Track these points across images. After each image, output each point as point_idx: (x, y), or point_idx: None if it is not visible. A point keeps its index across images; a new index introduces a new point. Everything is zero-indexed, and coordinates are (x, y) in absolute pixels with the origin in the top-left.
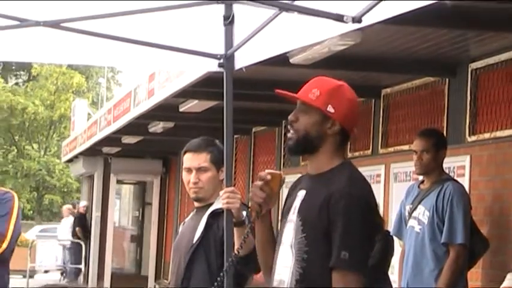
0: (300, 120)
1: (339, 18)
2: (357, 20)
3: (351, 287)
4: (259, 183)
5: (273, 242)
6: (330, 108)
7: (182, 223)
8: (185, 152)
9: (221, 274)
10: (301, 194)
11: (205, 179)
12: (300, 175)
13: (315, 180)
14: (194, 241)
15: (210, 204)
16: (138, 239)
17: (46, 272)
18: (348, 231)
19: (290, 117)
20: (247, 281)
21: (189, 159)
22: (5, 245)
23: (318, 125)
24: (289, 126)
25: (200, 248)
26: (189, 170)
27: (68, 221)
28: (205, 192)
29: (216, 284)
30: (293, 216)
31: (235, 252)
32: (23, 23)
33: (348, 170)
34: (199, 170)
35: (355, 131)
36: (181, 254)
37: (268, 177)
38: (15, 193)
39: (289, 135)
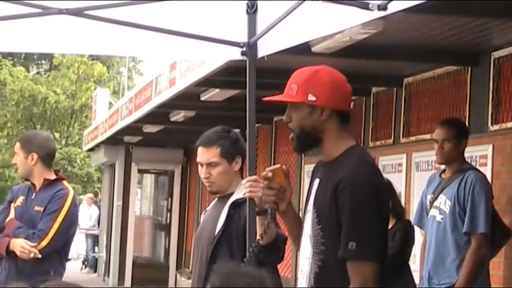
0: (293, 120)
1: (365, 5)
2: (382, 7)
3: (365, 275)
4: (264, 183)
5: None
6: (311, 97)
7: (204, 212)
8: (197, 146)
9: (244, 263)
10: (316, 183)
11: (216, 174)
12: None
13: (327, 167)
14: (216, 232)
15: (231, 194)
16: (167, 229)
17: (68, 260)
18: (355, 220)
19: (284, 119)
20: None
21: (200, 154)
22: (44, 243)
23: (309, 117)
24: (288, 130)
25: (222, 238)
26: (201, 165)
27: (90, 210)
28: (219, 186)
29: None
30: (310, 206)
31: (257, 240)
32: (46, 10)
33: (354, 156)
34: (209, 165)
35: (351, 107)
36: (204, 245)
37: (269, 174)
38: (71, 190)
39: (290, 136)
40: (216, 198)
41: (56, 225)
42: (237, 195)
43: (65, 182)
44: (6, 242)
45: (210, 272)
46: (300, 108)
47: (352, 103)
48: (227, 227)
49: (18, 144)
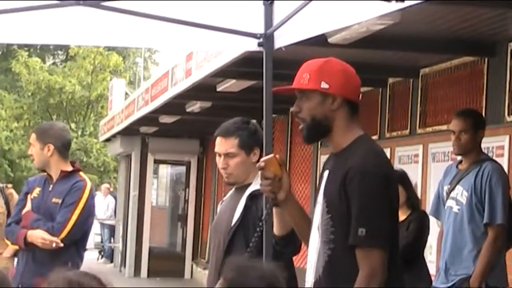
0: (303, 109)
1: None
2: None
3: (374, 262)
4: (259, 173)
5: (307, 218)
6: (324, 85)
7: (220, 202)
8: (216, 136)
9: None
10: (325, 174)
11: (233, 165)
12: None
13: (336, 158)
14: (233, 223)
15: (249, 185)
16: (183, 219)
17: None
18: (364, 208)
19: (293, 108)
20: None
21: (218, 144)
22: (63, 235)
23: (320, 106)
24: (297, 119)
25: (239, 229)
26: (219, 155)
27: (106, 200)
28: (236, 178)
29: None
30: (320, 198)
31: (261, 221)
32: (63, 2)
33: (363, 145)
34: (227, 155)
35: (360, 97)
36: (221, 235)
37: (262, 164)
38: (89, 181)
39: (300, 127)
40: (233, 189)
41: (74, 217)
42: (255, 186)
43: (82, 174)
44: (23, 234)
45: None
46: (311, 96)
47: (360, 95)
48: (244, 218)
49: (34, 136)
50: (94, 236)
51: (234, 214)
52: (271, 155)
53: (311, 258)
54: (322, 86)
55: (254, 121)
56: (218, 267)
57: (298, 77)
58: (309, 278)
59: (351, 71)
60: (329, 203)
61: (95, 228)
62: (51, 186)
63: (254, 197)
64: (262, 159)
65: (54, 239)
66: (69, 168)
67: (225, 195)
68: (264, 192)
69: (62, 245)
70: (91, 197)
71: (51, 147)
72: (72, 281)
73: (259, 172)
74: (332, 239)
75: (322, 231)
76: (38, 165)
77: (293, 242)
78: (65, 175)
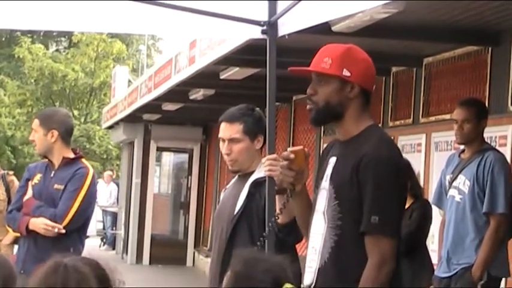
0: (318, 92)
1: None
2: None
3: (384, 251)
4: (285, 163)
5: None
6: (346, 72)
7: (223, 189)
8: (220, 121)
9: (261, 239)
10: (332, 160)
11: (237, 150)
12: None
13: (345, 145)
14: (236, 211)
15: (252, 172)
16: (185, 207)
17: (86, 237)
18: (378, 195)
19: (308, 90)
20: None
21: (222, 130)
22: (65, 222)
23: (338, 92)
24: (307, 100)
25: (243, 217)
26: (223, 140)
27: (109, 188)
28: (240, 165)
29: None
30: (325, 183)
31: (276, 215)
32: None
33: (376, 133)
34: (232, 141)
35: (373, 89)
36: (224, 223)
37: (292, 156)
38: (91, 168)
39: (308, 107)
40: (237, 176)
41: (76, 204)
42: (258, 174)
43: (84, 160)
44: (26, 222)
45: (229, 250)
46: (330, 81)
47: (374, 85)
48: (247, 206)
49: (37, 121)
50: (96, 223)
51: (237, 202)
52: (300, 147)
53: (315, 244)
54: (344, 73)
55: (258, 109)
56: (221, 255)
57: (317, 60)
58: (312, 264)
59: (371, 61)
60: (338, 189)
61: (97, 215)
62: (53, 172)
63: (258, 184)
64: (290, 149)
65: (57, 225)
66: (71, 155)
67: (227, 183)
68: (283, 182)
69: (64, 231)
70: (93, 183)
71: (55, 133)
72: (67, 266)
73: (263, 159)
74: (339, 225)
75: (329, 217)
76: (40, 151)
77: (295, 230)
78: (67, 162)
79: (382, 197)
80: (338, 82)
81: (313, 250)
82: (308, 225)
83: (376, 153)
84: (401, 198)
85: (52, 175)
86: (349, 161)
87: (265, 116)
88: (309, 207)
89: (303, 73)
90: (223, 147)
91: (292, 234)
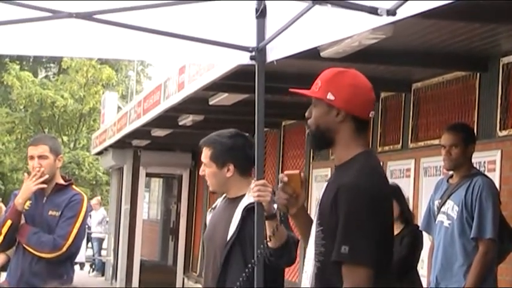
0: (312, 116)
1: (373, 11)
2: (391, 13)
3: (357, 280)
4: (280, 185)
5: None
6: (330, 96)
7: (210, 210)
8: None
9: (250, 265)
10: (324, 186)
11: (208, 174)
12: (328, 169)
13: (336, 172)
14: (229, 237)
15: (242, 196)
16: (174, 232)
17: (75, 263)
18: (349, 225)
19: (306, 114)
20: (281, 273)
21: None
22: (64, 249)
23: (325, 116)
24: (306, 125)
25: (236, 243)
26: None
27: (99, 213)
28: (213, 187)
29: (245, 274)
30: (317, 209)
31: (266, 242)
32: (56, 14)
33: (360, 162)
34: (204, 164)
35: (370, 115)
36: (216, 249)
37: (285, 178)
38: (85, 195)
39: (307, 132)
40: (226, 199)
41: (75, 231)
42: (249, 199)
43: (74, 187)
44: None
45: (223, 276)
46: (319, 105)
47: (372, 112)
48: (240, 231)
49: (46, 148)
50: (86, 250)
51: (229, 227)
52: (297, 171)
53: (307, 269)
54: (328, 97)
55: (246, 135)
56: (215, 280)
57: (314, 83)
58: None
59: (364, 87)
60: (321, 216)
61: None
62: (45, 198)
63: (250, 209)
64: (285, 173)
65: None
66: (62, 181)
67: (214, 203)
68: (277, 204)
69: (47, 176)
70: (88, 210)
71: (61, 158)
72: None
73: (252, 185)
74: (322, 252)
75: (315, 243)
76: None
77: (287, 253)
78: (59, 188)
79: (353, 226)
80: (325, 106)
81: (306, 275)
82: None
83: (351, 182)
84: (381, 225)
85: (44, 201)
86: (333, 188)
87: (254, 142)
88: (309, 228)
89: (301, 95)
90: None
91: (284, 258)
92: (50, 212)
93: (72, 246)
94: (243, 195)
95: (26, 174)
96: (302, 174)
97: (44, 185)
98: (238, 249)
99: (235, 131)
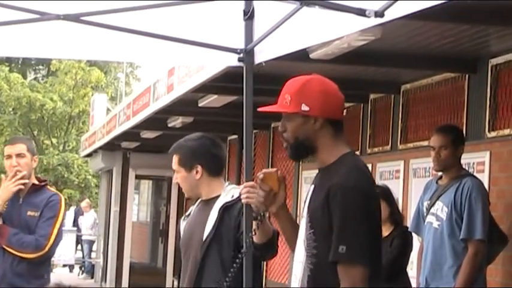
0: (287, 129)
1: (361, 12)
2: (379, 14)
3: (354, 279)
4: (257, 183)
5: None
6: (305, 107)
7: (183, 218)
8: None
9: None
10: (311, 189)
11: (179, 180)
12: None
13: (322, 174)
14: (205, 236)
15: (216, 197)
16: (164, 234)
17: (65, 266)
18: (345, 225)
19: (279, 129)
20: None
21: None
22: (46, 249)
23: (302, 127)
24: (282, 139)
25: (213, 242)
26: None
27: (90, 216)
28: (186, 192)
29: (232, 271)
30: (304, 212)
31: (251, 236)
32: (44, 16)
33: (348, 162)
34: (175, 171)
35: (344, 114)
36: (194, 250)
37: (261, 176)
38: (62, 196)
39: (284, 145)
40: (200, 203)
41: (55, 231)
42: (225, 198)
43: (49, 187)
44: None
45: (200, 274)
46: (293, 118)
47: (345, 110)
48: (217, 230)
49: (24, 147)
50: (76, 252)
51: (204, 228)
52: (273, 169)
53: (296, 272)
54: (302, 109)
55: (209, 136)
56: (192, 279)
57: (281, 97)
58: None
59: (332, 89)
60: (312, 218)
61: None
62: (21, 199)
63: (226, 208)
64: (262, 171)
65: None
66: (38, 182)
67: (187, 211)
68: (255, 204)
69: (25, 173)
70: (65, 211)
71: (36, 159)
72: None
73: (240, 186)
74: (315, 254)
75: (306, 245)
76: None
77: (273, 247)
78: (35, 188)
79: (350, 226)
80: (300, 118)
81: (295, 278)
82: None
83: (343, 182)
84: (372, 225)
85: (21, 202)
86: (322, 190)
87: (243, 144)
88: (294, 229)
89: (271, 112)
90: None
91: (270, 251)
92: (29, 213)
93: (53, 246)
94: (218, 196)
95: (3, 175)
96: (279, 172)
97: (23, 186)
98: (215, 248)
99: (201, 134)
